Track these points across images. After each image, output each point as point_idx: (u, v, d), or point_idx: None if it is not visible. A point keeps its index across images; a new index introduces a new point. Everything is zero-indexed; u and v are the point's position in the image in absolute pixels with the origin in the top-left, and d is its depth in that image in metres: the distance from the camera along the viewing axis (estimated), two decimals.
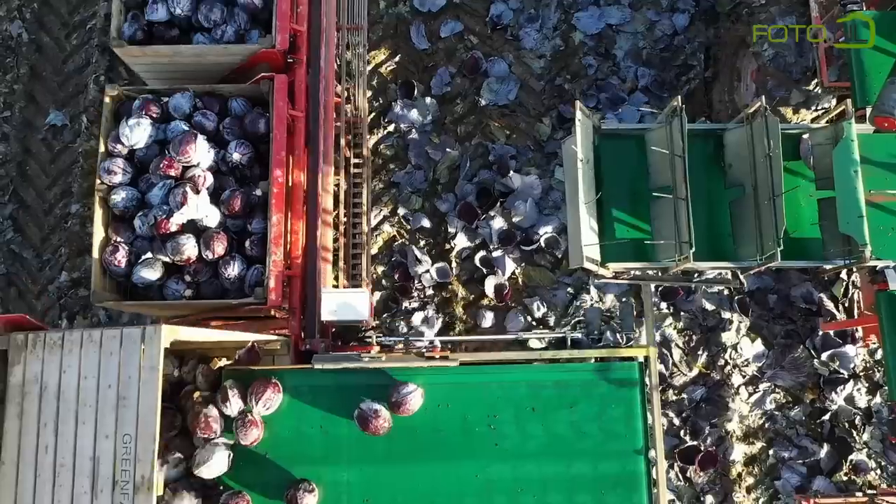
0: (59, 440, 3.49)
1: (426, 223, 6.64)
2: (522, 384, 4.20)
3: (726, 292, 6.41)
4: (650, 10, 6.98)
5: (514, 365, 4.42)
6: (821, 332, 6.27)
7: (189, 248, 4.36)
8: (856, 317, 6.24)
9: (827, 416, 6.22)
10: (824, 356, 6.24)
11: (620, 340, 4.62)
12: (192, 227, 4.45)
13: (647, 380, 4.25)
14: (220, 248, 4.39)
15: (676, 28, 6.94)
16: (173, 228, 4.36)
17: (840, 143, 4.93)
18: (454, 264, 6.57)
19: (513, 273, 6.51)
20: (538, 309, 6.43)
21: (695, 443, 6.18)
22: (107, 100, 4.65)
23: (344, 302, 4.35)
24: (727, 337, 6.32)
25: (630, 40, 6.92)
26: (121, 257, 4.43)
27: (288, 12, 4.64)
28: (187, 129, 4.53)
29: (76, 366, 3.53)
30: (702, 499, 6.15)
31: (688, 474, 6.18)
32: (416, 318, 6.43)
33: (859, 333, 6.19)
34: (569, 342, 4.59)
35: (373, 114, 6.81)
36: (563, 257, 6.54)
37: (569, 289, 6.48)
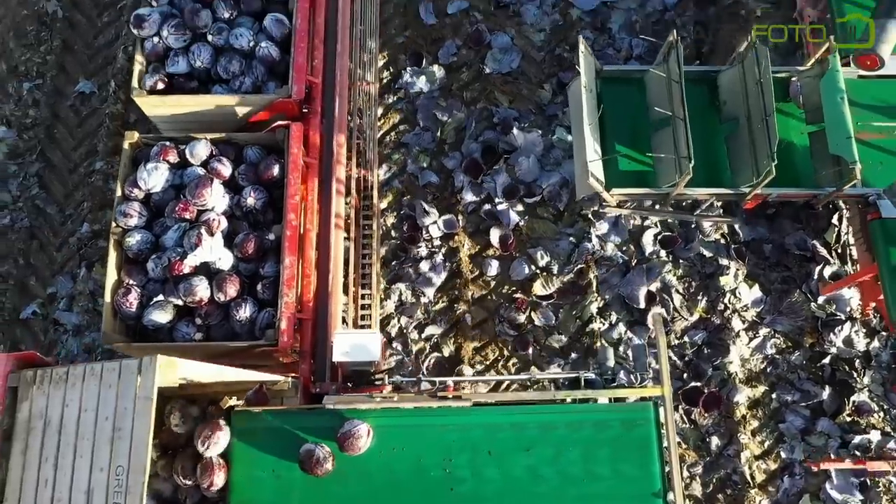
0: (57, 474, 3.51)
1: (434, 179, 6.94)
2: (533, 426, 3.95)
3: (723, 241, 6.63)
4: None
5: (525, 406, 4.20)
6: (816, 277, 6.46)
7: (202, 289, 4.37)
8: (848, 263, 6.44)
9: (827, 360, 6.32)
10: (821, 300, 6.40)
11: (634, 381, 4.52)
12: (205, 270, 4.47)
13: (662, 419, 4.05)
14: (232, 290, 4.41)
15: (666, 5, 7.42)
16: (186, 270, 4.38)
17: (826, 74, 5.28)
18: (460, 217, 6.82)
19: (517, 225, 6.75)
20: (542, 258, 6.63)
21: (698, 384, 6.27)
22: (126, 146, 4.73)
23: (356, 343, 4.32)
24: (725, 282, 6.50)
25: (624, 15, 7.38)
26: (132, 299, 4.42)
27: (304, 65, 4.82)
28: (203, 173, 4.59)
29: (77, 399, 3.57)
30: (707, 440, 6.19)
31: (692, 416, 6.24)
32: (424, 266, 6.63)
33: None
34: (582, 382, 4.43)
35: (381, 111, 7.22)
36: (565, 210, 6.79)
37: (571, 238, 6.70)
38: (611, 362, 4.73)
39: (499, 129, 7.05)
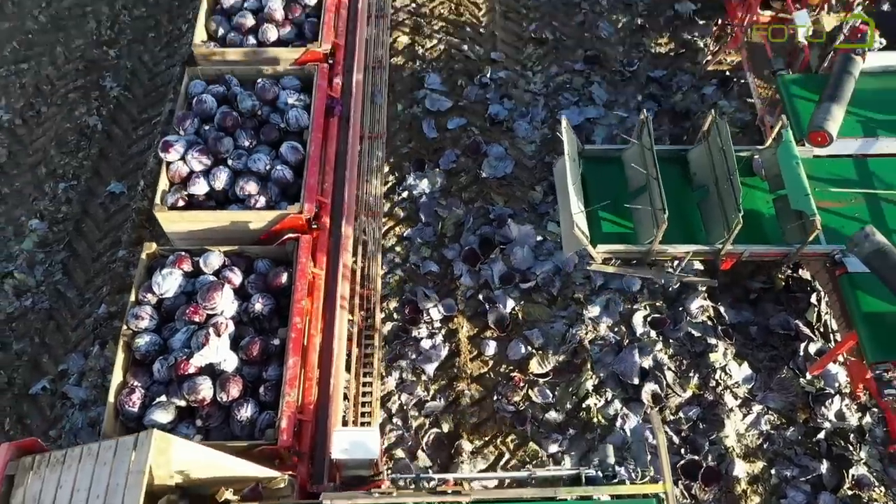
0: None
1: (434, 268, 7.39)
2: None
3: (710, 323, 6.95)
4: (620, 108, 8.40)
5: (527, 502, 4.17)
6: (801, 354, 6.71)
7: (205, 388, 4.46)
8: (831, 341, 6.72)
9: (822, 434, 6.40)
10: (809, 375, 6.60)
11: (635, 477, 4.51)
12: (210, 371, 4.60)
13: None
14: (235, 390, 4.50)
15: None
16: (192, 370, 4.51)
17: (781, 145, 5.95)
18: (459, 301, 7.18)
19: (513, 308, 7.11)
20: (537, 339, 6.91)
21: (696, 458, 6.30)
22: (143, 256, 5.01)
23: (355, 440, 4.31)
24: (715, 359, 6.73)
25: (605, 130, 8.23)
26: (136, 399, 4.50)
27: (315, 186, 5.17)
28: (215, 280, 4.86)
29: (72, 480, 3.54)
30: None
31: (693, 491, 6.21)
32: (425, 344, 6.90)
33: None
34: (583, 479, 4.39)
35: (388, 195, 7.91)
36: (559, 294, 7.19)
37: (564, 320, 7.03)
38: (611, 459, 4.77)
39: (495, 224, 7.61)
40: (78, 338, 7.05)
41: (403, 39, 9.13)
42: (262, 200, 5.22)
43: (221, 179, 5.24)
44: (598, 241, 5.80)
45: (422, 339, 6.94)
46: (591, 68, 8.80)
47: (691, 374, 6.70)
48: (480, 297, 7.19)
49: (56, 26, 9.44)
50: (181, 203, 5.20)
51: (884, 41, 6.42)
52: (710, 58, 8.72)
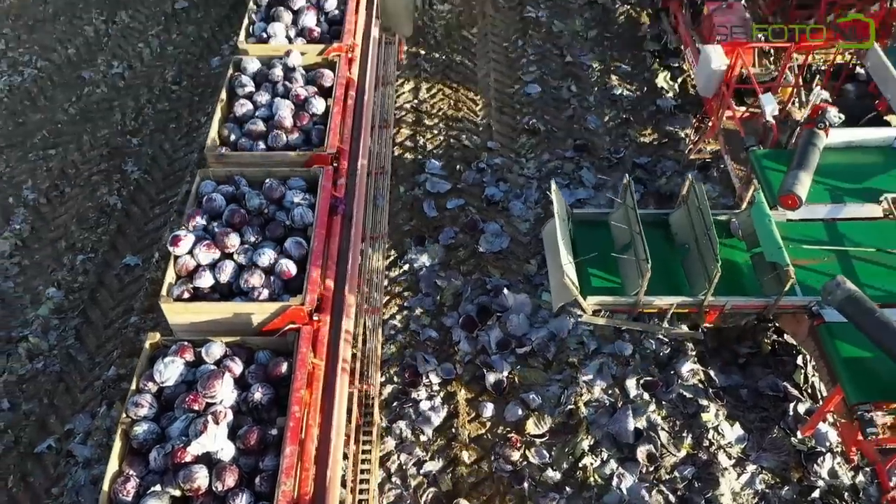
0: None
1: (433, 334, 7.68)
2: None
3: (701, 385, 7.16)
4: (609, 191, 8.97)
5: None
6: (791, 413, 6.88)
7: (201, 477, 4.45)
8: (819, 400, 6.92)
9: (817, 493, 6.48)
10: (800, 434, 6.75)
11: None
12: (206, 460, 4.62)
13: None
14: (230, 480, 4.48)
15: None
16: (188, 458, 4.52)
17: (754, 206, 6.44)
18: (458, 365, 7.42)
19: (509, 372, 7.34)
20: (534, 401, 7.11)
21: None
22: (146, 345, 5.12)
23: None
24: (708, 419, 6.90)
25: (595, 204, 8.75)
26: (130, 488, 4.50)
27: (317, 279, 5.30)
28: (216, 369, 4.97)
29: None
30: None
31: None
32: (424, 406, 7.08)
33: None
34: None
35: (390, 269, 8.33)
36: (554, 359, 7.44)
37: (559, 383, 7.24)
38: None
39: (491, 294, 7.97)
40: (86, 399, 7.23)
41: (406, 131, 9.85)
42: (265, 293, 5.28)
43: (227, 272, 5.35)
44: (587, 293, 6.15)
45: (421, 401, 7.13)
46: (580, 155, 9.46)
47: (685, 435, 6.85)
48: (478, 361, 7.44)
49: (84, 118, 10.19)
50: (186, 295, 5.28)
51: (842, 116, 7.04)
52: (691, 147, 9.39)
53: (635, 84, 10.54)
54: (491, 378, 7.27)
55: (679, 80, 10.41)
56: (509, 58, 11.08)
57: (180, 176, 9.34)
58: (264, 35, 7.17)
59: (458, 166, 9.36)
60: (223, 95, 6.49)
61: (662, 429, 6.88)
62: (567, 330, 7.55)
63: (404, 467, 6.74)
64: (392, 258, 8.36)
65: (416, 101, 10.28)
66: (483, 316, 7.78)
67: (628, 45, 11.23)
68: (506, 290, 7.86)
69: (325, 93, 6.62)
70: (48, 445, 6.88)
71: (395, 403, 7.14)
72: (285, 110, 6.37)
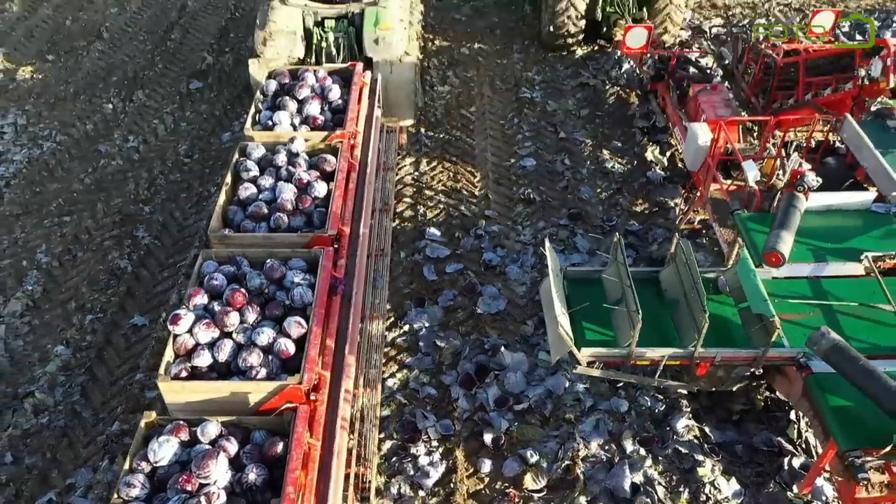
0: None
1: (433, 392, 7.83)
2: None
3: (696, 441, 7.26)
4: (605, 254, 9.29)
5: None
6: (786, 468, 6.96)
7: None
8: (813, 455, 7.00)
9: None
10: (796, 489, 6.81)
11: None
12: None
13: None
14: None
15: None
16: None
17: (740, 262, 6.75)
18: (456, 422, 7.54)
19: (507, 429, 7.45)
20: (531, 456, 7.19)
21: None
22: (142, 424, 5.14)
23: None
24: (704, 473, 6.95)
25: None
26: None
27: (315, 358, 5.21)
28: (210, 448, 4.82)
29: None
30: None
31: None
32: (423, 461, 7.15)
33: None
34: None
35: (391, 322, 8.56)
36: (551, 416, 7.56)
37: (557, 439, 7.34)
38: None
39: (489, 353, 8.17)
40: (88, 454, 7.30)
41: (407, 200, 10.28)
42: (263, 372, 5.21)
43: (225, 352, 5.31)
44: (581, 345, 6.37)
45: (420, 456, 7.20)
46: (574, 223, 9.85)
47: (681, 490, 6.90)
48: (476, 418, 7.55)
49: (99, 187, 10.65)
50: (184, 374, 5.27)
51: (819, 179, 7.43)
52: (681, 217, 9.79)
53: (626, 158, 11.07)
54: (489, 435, 7.37)
55: (668, 153, 10.94)
56: (506, 134, 11.67)
57: (189, 241, 9.69)
58: (270, 123, 7.54)
59: (457, 233, 9.73)
60: (228, 179, 6.73)
61: (659, 483, 6.94)
62: (564, 387, 7.70)
63: None
64: (392, 319, 8.59)
65: (416, 173, 10.77)
66: (481, 374, 7.94)
67: (618, 122, 11.85)
68: (503, 349, 8.06)
69: (328, 177, 6.86)
70: (49, 499, 6.91)
71: (393, 458, 7.21)
72: (288, 193, 6.55)
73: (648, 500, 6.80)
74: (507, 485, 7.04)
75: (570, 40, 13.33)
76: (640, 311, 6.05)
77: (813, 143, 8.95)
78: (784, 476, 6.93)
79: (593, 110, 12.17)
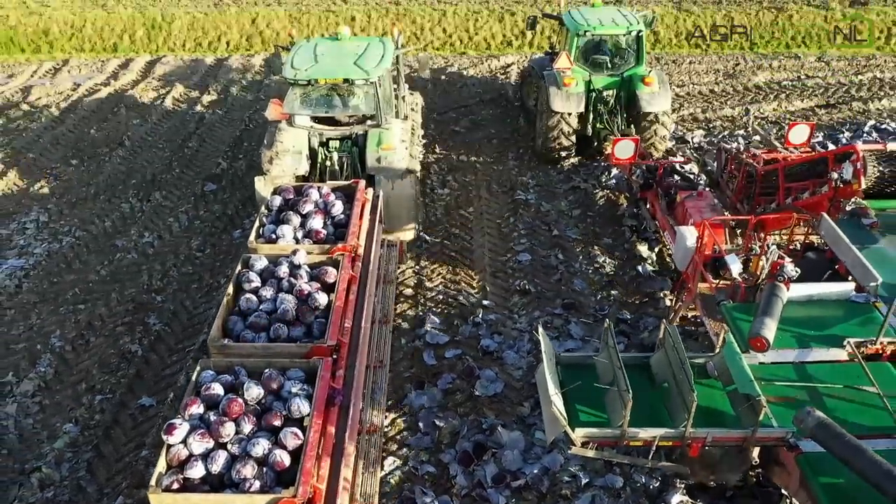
0: None
1: (431, 469, 7.99)
2: None
3: None
4: (595, 342, 9.67)
5: None
6: None
7: None
8: None
9: None
10: None
11: None
12: None
13: None
14: None
15: None
16: None
17: (726, 347, 7.05)
18: (455, 498, 7.65)
19: None
20: None
21: None
22: None
23: None
24: None
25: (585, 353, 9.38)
26: None
27: (311, 471, 5.15)
28: None
29: None
30: None
31: None
32: None
33: None
34: None
35: (391, 416, 8.82)
36: (548, 492, 7.69)
37: None
38: None
39: (487, 432, 8.38)
40: None
41: (408, 291, 10.77)
42: (256, 485, 5.16)
43: (219, 463, 5.28)
44: (576, 425, 6.51)
45: None
46: (568, 313, 10.28)
47: None
48: (474, 494, 7.67)
49: (114, 278, 11.16)
50: (176, 486, 5.21)
51: (798, 270, 7.87)
52: (673, 314, 10.17)
53: (616, 253, 11.66)
54: None
55: (656, 249, 11.53)
56: (502, 232, 12.33)
57: (199, 328, 10.08)
58: (273, 236, 7.77)
59: (455, 321, 10.15)
60: (230, 290, 6.87)
61: None
62: (560, 464, 7.87)
63: None
64: (392, 401, 8.85)
65: (417, 266, 11.32)
66: (479, 452, 8.12)
67: (608, 221, 12.55)
68: (500, 428, 8.28)
69: (328, 288, 6.99)
70: None
71: None
72: (288, 304, 6.62)
73: None
74: None
75: (562, 153, 14.23)
76: (630, 390, 6.23)
77: (794, 244, 9.50)
78: None
79: (584, 210, 12.90)
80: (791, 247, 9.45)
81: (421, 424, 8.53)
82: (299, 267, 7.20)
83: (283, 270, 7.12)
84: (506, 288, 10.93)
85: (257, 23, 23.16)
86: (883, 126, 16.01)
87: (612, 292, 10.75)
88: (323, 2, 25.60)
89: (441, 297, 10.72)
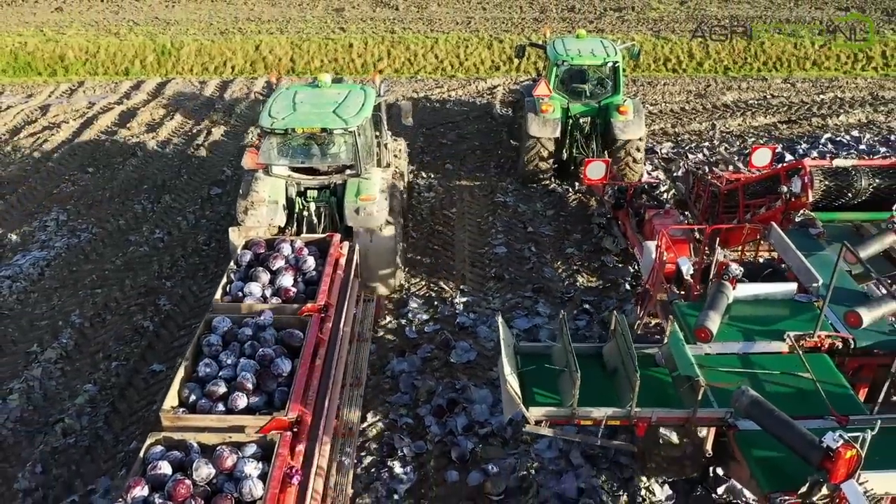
0: None
1: (409, 421, 9.03)
2: None
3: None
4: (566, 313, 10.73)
5: None
6: (711, 474, 8.01)
7: None
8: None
9: None
10: (720, 490, 7.86)
11: None
12: None
13: None
14: None
15: (579, 326, 10.61)
16: None
17: (671, 335, 7.91)
18: (429, 443, 8.69)
19: (472, 449, 8.59)
20: (492, 469, 8.30)
21: None
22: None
23: None
24: (640, 480, 8.04)
25: (548, 332, 10.48)
26: None
27: None
28: None
29: None
30: None
31: None
32: (398, 470, 8.26)
33: None
34: None
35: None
36: (510, 438, 8.72)
37: (514, 457, 8.47)
38: None
39: (460, 391, 9.44)
40: (108, 467, 8.40)
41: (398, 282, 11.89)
42: None
43: None
44: (531, 405, 7.06)
45: (395, 467, 8.32)
46: (537, 295, 11.40)
47: (620, 493, 7.95)
48: (446, 441, 8.71)
49: (127, 268, 12.31)
50: None
51: (742, 269, 8.54)
52: (638, 322, 11.01)
53: (585, 247, 12.82)
54: (456, 453, 8.51)
55: (620, 243, 12.69)
56: (481, 228, 13.51)
57: (205, 308, 11.11)
58: (241, 294, 7.45)
59: (435, 302, 11.26)
60: (189, 355, 6.62)
61: (601, 488, 8.01)
62: (522, 416, 8.89)
63: None
64: (378, 366, 9.92)
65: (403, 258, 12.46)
66: (451, 406, 9.18)
67: (579, 220, 13.73)
68: (472, 387, 9.35)
69: (295, 352, 6.64)
70: (72, 500, 7.96)
71: (372, 470, 8.32)
72: (249, 372, 6.28)
73: (592, 501, 7.86)
74: (470, 492, 8.10)
75: (541, 176, 14.95)
76: (579, 370, 6.81)
77: (748, 255, 10.28)
78: (710, 482, 8.00)
79: (558, 211, 14.10)
80: (742, 254, 10.24)
81: (401, 386, 9.59)
82: (265, 329, 6.85)
83: (247, 333, 6.75)
84: (482, 275, 12.06)
85: (261, 49, 24.67)
86: (838, 139, 17.30)
87: (579, 279, 11.88)
88: (323, 30, 27.18)
89: (424, 282, 11.84)
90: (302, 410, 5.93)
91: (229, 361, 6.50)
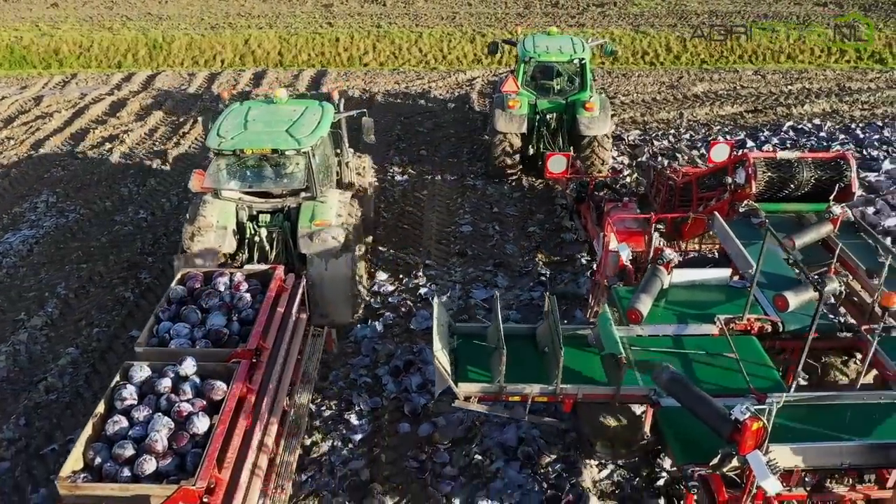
0: None
1: (367, 380, 9.72)
2: None
3: None
4: (517, 289, 11.44)
5: None
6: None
7: None
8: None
9: (661, 482, 8.14)
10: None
11: None
12: None
13: None
14: None
15: (533, 297, 11.28)
16: None
17: (601, 315, 8.45)
18: (385, 400, 9.37)
19: (425, 405, 9.27)
20: (441, 422, 8.98)
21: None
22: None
23: None
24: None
25: (504, 302, 11.14)
26: None
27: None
28: None
29: None
30: None
31: None
32: (354, 422, 8.94)
33: None
34: None
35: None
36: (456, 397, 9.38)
37: (462, 412, 9.13)
38: None
39: (416, 354, 10.12)
40: (87, 421, 9.04)
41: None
42: None
43: None
44: (461, 380, 7.43)
45: (351, 419, 9.00)
46: (497, 269, 12.08)
47: (558, 443, 8.64)
48: (400, 397, 9.40)
49: (112, 245, 13.00)
50: None
51: (676, 253, 9.10)
52: (591, 311, 11.43)
53: (546, 226, 13.50)
54: (409, 407, 9.19)
55: (579, 223, 13.36)
56: (450, 209, 14.19)
57: None
58: (167, 336, 6.80)
59: (400, 275, 11.94)
60: (100, 409, 5.90)
61: (540, 438, 8.69)
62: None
63: (333, 464, 8.46)
64: (342, 336, 10.60)
65: (372, 237, 13.14)
66: (408, 367, 9.87)
67: (543, 202, 14.41)
68: (426, 349, 10.03)
69: (216, 406, 5.93)
70: (52, 448, 8.65)
71: (330, 423, 9.00)
72: (161, 431, 5.59)
73: (530, 448, 8.54)
74: (420, 442, 8.77)
75: (509, 171, 15.15)
76: (505, 347, 7.15)
77: (697, 244, 10.84)
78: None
79: (524, 193, 14.78)
80: (687, 242, 10.83)
81: (363, 349, 10.27)
82: (186, 379, 6.10)
83: (165, 385, 6.01)
84: (447, 252, 12.74)
85: (249, 43, 25.36)
86: (800, 126, 17.96)
87: (538, 256, 12.56)
88: (310, 25, 27.87)
89: (391, 257, 12.52)
90: (216, 477, 5.28)
91: (142, 417, 5.76)
